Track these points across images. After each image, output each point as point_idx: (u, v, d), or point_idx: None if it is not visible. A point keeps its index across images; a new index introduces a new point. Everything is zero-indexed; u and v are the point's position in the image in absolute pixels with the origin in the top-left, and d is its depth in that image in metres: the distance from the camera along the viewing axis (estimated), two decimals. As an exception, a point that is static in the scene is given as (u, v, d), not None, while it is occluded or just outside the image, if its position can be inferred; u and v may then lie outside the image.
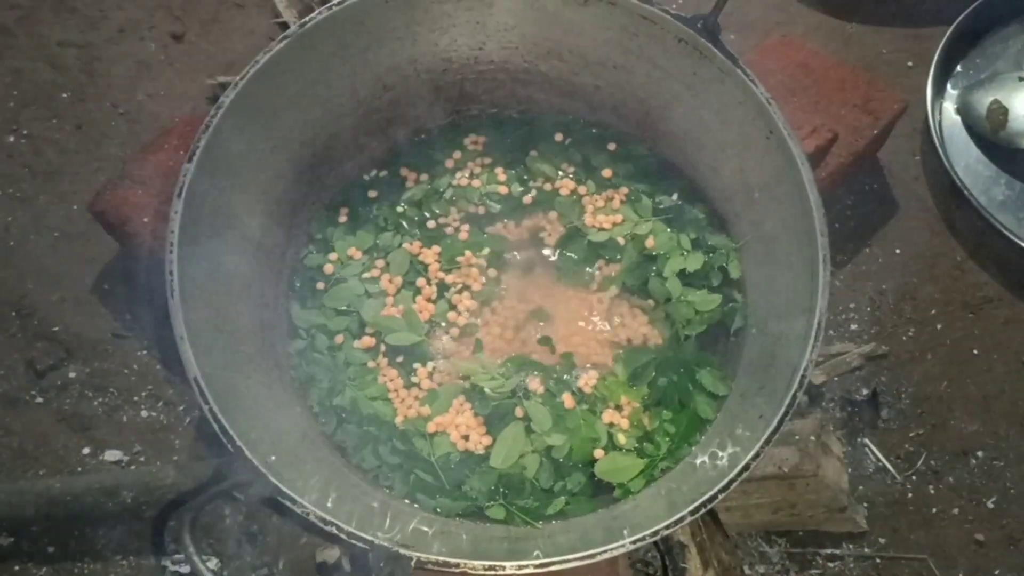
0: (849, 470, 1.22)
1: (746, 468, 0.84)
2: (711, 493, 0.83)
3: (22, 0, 1.57)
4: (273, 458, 0.83)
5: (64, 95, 1.50)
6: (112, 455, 1.24)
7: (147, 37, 1.55)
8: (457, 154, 1.16)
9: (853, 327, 1.33)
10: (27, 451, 1.25)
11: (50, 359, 1.29)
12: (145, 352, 1.30)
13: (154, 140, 1.26)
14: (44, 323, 1.32)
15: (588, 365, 1.05)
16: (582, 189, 1.14)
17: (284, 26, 1.50)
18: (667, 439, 0.99)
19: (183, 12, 1.57)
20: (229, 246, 0.98)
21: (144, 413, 1.27)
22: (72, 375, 1.29)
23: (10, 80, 1.50)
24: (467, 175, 1.14)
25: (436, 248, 1.10)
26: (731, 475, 0.83)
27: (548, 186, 1.14)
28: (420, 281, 1.08)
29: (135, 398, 1.28)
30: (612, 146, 1.16)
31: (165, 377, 1.28)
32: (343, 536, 0.80)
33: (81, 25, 1.56)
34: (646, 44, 1.02)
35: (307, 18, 0.97)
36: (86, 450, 1.25)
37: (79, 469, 1.24)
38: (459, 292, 1.08)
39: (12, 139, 1.45)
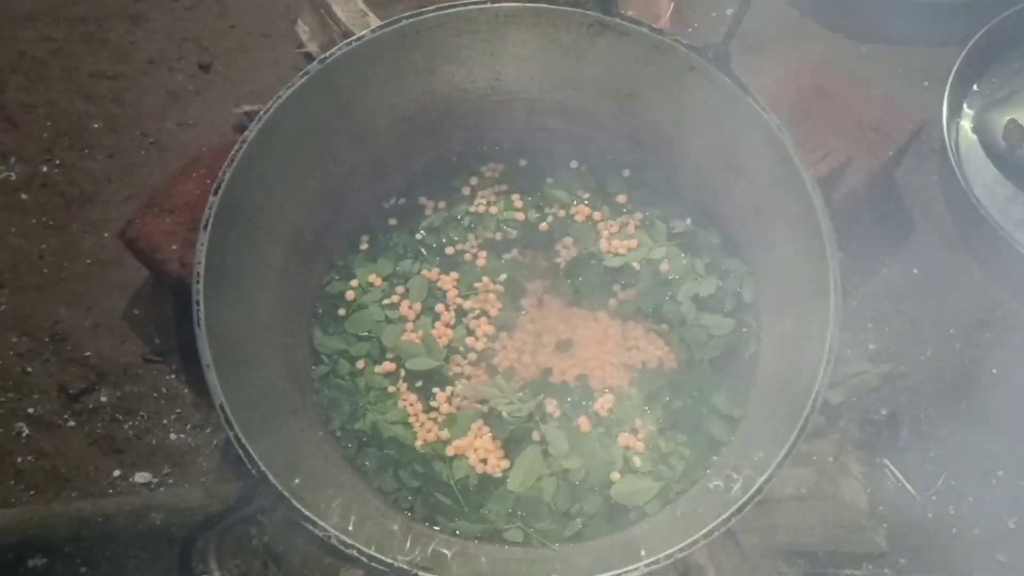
0: (868, 490, 1.22)
1: (759, 491, 0.85)
2: (725, 516, 0.84)
3: (55, 33, 1.62)
4: (297, 481, 0.86)
5: (96, 125, 1.54)
6: (142, 477, 1.27)
7: (176, 68, 1.59)
8: (474, 181, 1.18)
9: (871, 347, 1.33)
10: (60, 473, 1.28)
11: (82, 383, 1.33)
12: (174, 376, 1.33)
13: (183, 169, 1.29)
14: (76, 348, 1.35)
15: (604, 389, 1.06)
16: (597, 215, 1.15)
17: (308, 55, 1.53)
18: (682, 462, 1.00)
19: (211, 42, 1.61)
20: (253, 274, 1.00)
21: (173, 436, 1.30)
22: (103, 399, 1.32)
23: (44, 111, 1.55)
24: (484, 202, 1.17)
25: (454, 274, 1.12)
26: (744, 498, 0.84)
27: (563, 212, 1.16)
28: (439, 307, 1.10)
29: (164, 421, 1.31)
30: (626, 172, 1.17)
31: (193, 400, 1.31)
32: (363, 559, 0.82)
33: (112, 57, 1.60)
34: (659, 73, 1.04)
35: (327, 53, 1.00)
36: (117, 472, 1.28)
37: (110, 491, 1.26)
38: (477, 318, 1.10)
39: (46, 168, 1.49)
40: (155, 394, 1.32)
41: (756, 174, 1.02)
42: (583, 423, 1.03)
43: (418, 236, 1.15)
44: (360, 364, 1.08)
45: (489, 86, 1.12)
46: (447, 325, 1.10)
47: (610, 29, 1.02)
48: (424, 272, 1.12)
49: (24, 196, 1.47)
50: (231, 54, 1.60)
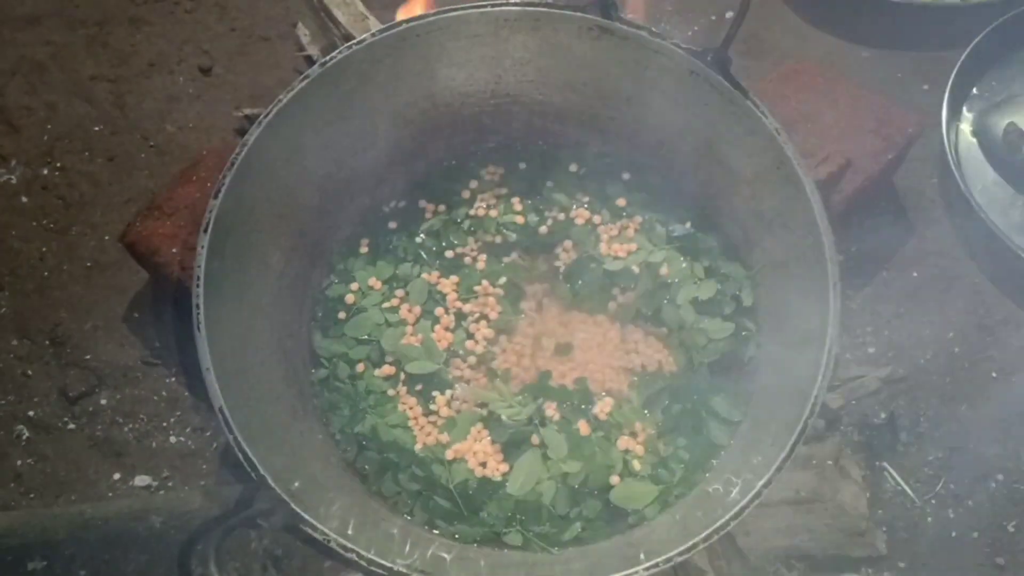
0: (868, 494, 1.22)
1: (759, 495, 0.85)
2: (723, 520, 0.84)
3: (55, 36, 1.62)
4: (296, 485, 0.86)
5: (96, 128, 1.54)
6: (142, 480, 1.27)
7: (176, 71, 1.59)
8: (474, 185, 1.18)
9: (871, 350, 1.33)
10: (60, 476, 1.28)
11: (82, 386, 1.33)
12: (174, 379, 1.33)
13: (183, 172, 1.29)
14: (76, 351, 1.35)
15: (603, 392, 1.06)
16: (597, 218, 1.15)
17: (308, 59, 1.54)
18: (681, 465, 1.00)
19: (211, 46, 1.62)
20: (253, 278, 1.01)
21: (173, 439, 1.30)
22: (103, 402, 1.32)
23: (44, 114, 1.55)
24: (484, 206, 1.17)
25: (454, 278, 1.12)
26: (743, 502, 0.84)
27: (563, 216, 1.16)
28: (438, 310, 1.10)
29: (164, 424, 1.31)
30: (626, 175, 1.17)
31: (193, 404, 1.31)
32: (363, 563, 0.82)
33: (113, 60, 1.60)
34: (658, 77, 1.04)
35: (328, 57, 1.00)
36: (116, 475, 1.28)
37: (110, 494, 1.26)
38: (476, 321, 1.10)
39: (46, 172, 1.50)
40: (155, 397, 1.33)
41: (755, 178, 1.03)
42: (582, 426, 1.03)
43: (418, 239, 1.15)
44: (360, 367, 1.07)
45: (489, 90, 1.13)
46: (447, 328, 1.10)
47: (610, 33, 1.02)
48: (424, 275, 1.12)
49: (24, 199, 1.48)
50: (231, 57, 1.61)
